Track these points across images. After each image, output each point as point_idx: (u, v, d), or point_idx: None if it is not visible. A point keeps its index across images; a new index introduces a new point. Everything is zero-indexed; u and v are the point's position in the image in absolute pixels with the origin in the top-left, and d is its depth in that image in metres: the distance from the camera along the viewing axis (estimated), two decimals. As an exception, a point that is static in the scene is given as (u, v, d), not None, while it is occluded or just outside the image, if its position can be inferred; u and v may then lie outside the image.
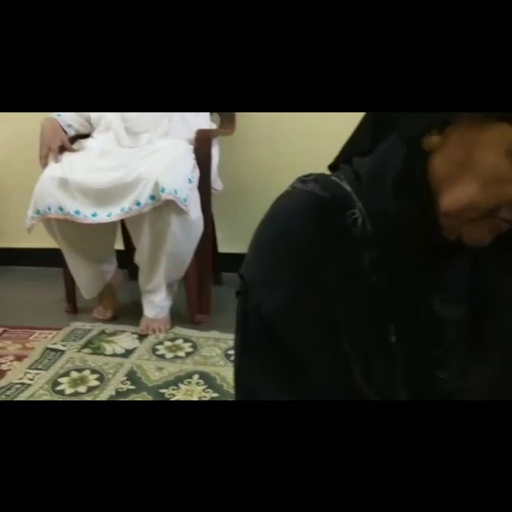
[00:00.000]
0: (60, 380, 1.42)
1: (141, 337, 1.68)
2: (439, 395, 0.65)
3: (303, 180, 0.63)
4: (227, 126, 1.92)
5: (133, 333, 1.70)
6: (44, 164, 1.64)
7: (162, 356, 1.56)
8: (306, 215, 0.60)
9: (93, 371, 1.46)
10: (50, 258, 1.92)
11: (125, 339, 1.67)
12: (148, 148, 1.65)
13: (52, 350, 1.58)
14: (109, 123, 1.68)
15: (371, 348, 0.61)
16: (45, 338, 1.67)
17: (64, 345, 1.60)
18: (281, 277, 0.59)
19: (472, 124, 0.53)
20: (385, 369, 0.62)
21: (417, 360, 0.63)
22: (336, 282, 0.59)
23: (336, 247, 0.59)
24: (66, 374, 1.45)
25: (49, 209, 1.59)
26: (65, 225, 1.62)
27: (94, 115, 1.74)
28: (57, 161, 1.63)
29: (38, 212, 1.61)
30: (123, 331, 1.71)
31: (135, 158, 1.61)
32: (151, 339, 1.66)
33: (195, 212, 1.65)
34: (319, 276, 0.59)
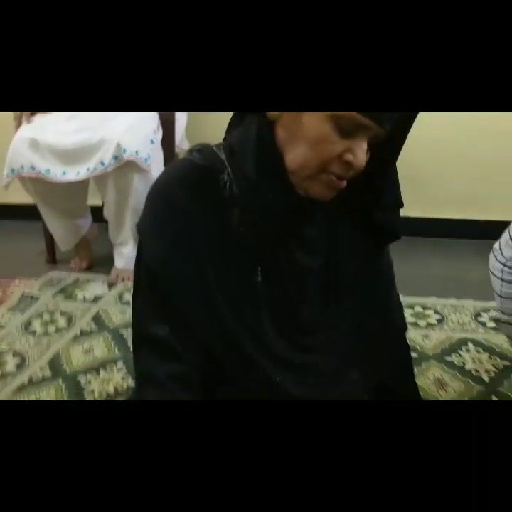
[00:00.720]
0: (33, 321, 1.60)
1: (111, 286, 1.84)
2: (300, 328, 0.80)
3: (190, 150, 0.78)
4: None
5: (104, 281, 1.87)
6: (17, 126, 1.77)
7: (127, 302, 1.72)
8: (181, 179, 0.74)
9: (63, 314, 1.64)
10: (30, 212, 2.07)
11: (96, 287, 1.83)
12: (113, 112, 1.77)
13: (28, 296, 1.76)
14: None
15: (239, 286, 0.76)
16: (24, 286, 1.84)
17: (40, 292, 1.78)
18: (156, 232, 0.74)
19: None
20: (251, 304, 0.77)
21: (281, 299, 0.78)
22: (206, 234, 0.74)
23: (208, 205, 0.74)
24: (39, 316, 1.63)
25: (22, 168, 1.72)
26: (38, 183, 1.76)
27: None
28: (29, 122, 1.76)
29: (12, 170, 1.74)
30: (95, 280, 1.88)
31: (100, 121, 1.73)
32: (119, 287, 1.83)
33: (157, 170, 1.77)
34: (190, 229, 0.73)
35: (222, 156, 0.75)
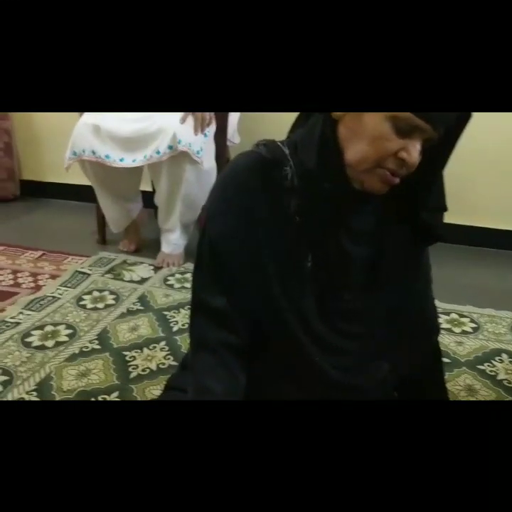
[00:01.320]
0: (84, 297, 1.71)
1: (157, 269, 1.93)
2: (342, 313, 0.86)
3: (257, 144, 0.86)
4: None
5: (150, 264, 1.96)
6: (81, 113, 1.87)
7: (171, 286, 1.82)
8: (250, 168, 0.82)
9: (111, 292, 1.74)
10: (86, 194, 2.19)
11: (143, 269, 1.93)
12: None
13: (80, 272, 1.87)
14: None
15: (291, 269, 0.83)
16: (76, 262, 1.96)
17: (91, 270, 1.89)
18: (224, 212, 0.82)
19: None
20: (300, 287, 0.84)
21: (327, 283, 0.85)
22: (266, 219, 0.82)
23: (271, 193, 0.81)
24: (89, 293, 1.74)
25: (84, 152, 1.83)
26: (97, 167, 1.86)
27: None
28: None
29: (74, 153, 1.85)
30: (142, 263, 1.98)
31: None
32: (164, 271, 1.92)
33: (208, 162, 1.85)
34: (253, 213, 0.81)
35: (286, 151, 0.82)
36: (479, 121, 2.11)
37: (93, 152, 1.82)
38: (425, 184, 0.80)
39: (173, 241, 1.97)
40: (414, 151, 0.72)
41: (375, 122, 0.72)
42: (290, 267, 0.83)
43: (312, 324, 0.84)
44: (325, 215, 0.81)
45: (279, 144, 0.83)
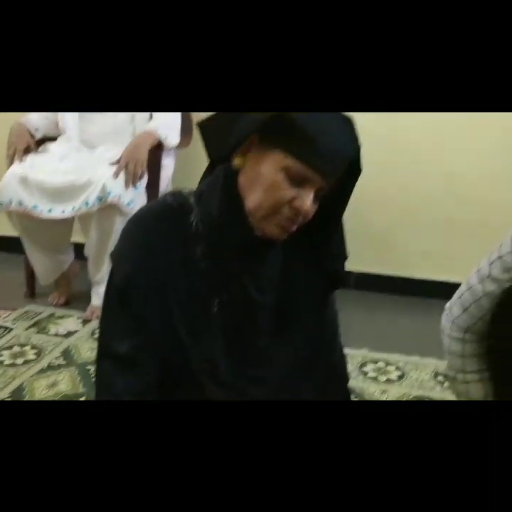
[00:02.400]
0: (2, 352, 1.63)
1: (86, 322, 1.88)
2: (251, 358, 0.86)
3: (165, 194, 0.88)
4: (184, 139, 2.13)
5: (79, 317, 1.91)
6: (9, 163, 1.85)
7: (98, 339, 1.76)
8: (156, 214, 0.84)
9: (33, 347, 1.67)
10: (14, 245, 2.12)
11: (71, 322, 1.87)
12: (103, 156, 1.86)
13: (1, 327, 1.79)
14: (70, 134, 1.90)
15: (198, 314, 0.84)
16: (0, 317, 1.88)
17: (14, 324, 1.81)
18: (129, 256, 0.82)
19: (261, 150, 0.78)
20: (207, 333, 0.84)
21: (234, 328, 0.85)
22: (173, 264, 0.82)
23: (177, 239, 0.83)
24: (9, 348, 1.66)
25: (10, 202, 1.80)
26: (24, 218, 1.83)
27: (60, 124, 1.95)
28: (21, 161, 1.84)
29: (0, 204, 1.82)
30: (70, 316, 1.92)
31: (89, 163, 1.83)
32: (93, 324, 1.86)
33: (140, 214, 1.85)
34: (159, 258, 0.81)
35: (192, 200, 0.84)
36: (408, 172, 2.23)
37: (20, 203, 1.79)
38: (325, 231, 0.85)
39: (103, 293, 1.93)
40: (306, 200, 0.76)
41: (270, 172, 0.76)
42: (197, 312, 0.83)
43: (219, 370, 0.84)
44: (230, 261, 0.83)
45: (185, 193, 0.86)
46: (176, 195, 0.85)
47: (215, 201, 0.81)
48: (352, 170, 0.79)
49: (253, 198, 0.78)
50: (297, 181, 0.76)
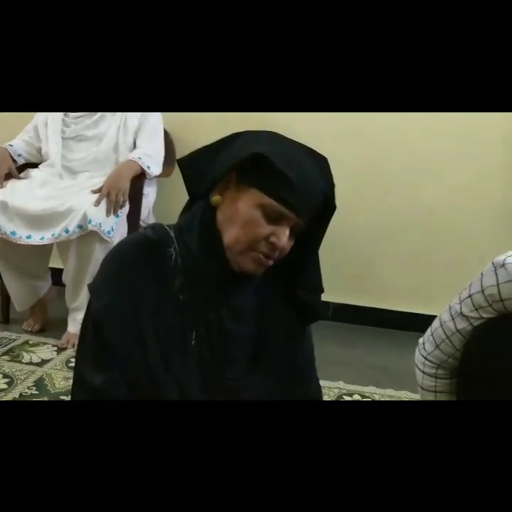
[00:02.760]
0: (-28, 380, 1.59)
1: (60, 350, 1.85)
2: (227, 389, 0.87)
3: (145, 227, 0.89)
4: (166, 169, 2.15)
5: (54, 345, 1.88)
6: (-11, 189, 1.84)
7: (73, 368, 1.73)
8: (134, 246, 0.85)
9: (5, 376, 1.64)
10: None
11: (45, 350, 1.84)
12: (85, 183, 1.87)
13: (-27, 354, 1.75)
14: (53, 161, 1.90)
15: (174, 346, 0.84)
16: (-28, 343, 1.84)
17: (-14, 351, 1.78)
18: (106, 287, 0.82)
19: (239, 187, 0.80)
20: (184, 365, 0.84)
21: (210, 360, 0.86)
22: (150, 296, 0.83)
23: (155, 272, 0.83)
24: (-20, 376, 1.62)
25: (-12, 227, 1.78)
26: (2, 243, 1.81)
27: (43, 150, 1.96)
28: (1, 186, 1.84)
29: (-23, 230, 1.80)
30: (45, 343, 1.89)
31: (71, 191, 1.83)
32: (68, 352, 1.83)
33: (120, 242, 1.85)
34: (136, 290, 0.82)
35: (172, 234, 0.86)
36: (386, 206, 2.28)
37: (-2, 228, 1.78)
38: (300, 265, 0.87)
39: (80, 320, 1.87)
40: (283, 236, 0.79)
41: (247, 209, 0.79)
42: (174, 344, 0.83)
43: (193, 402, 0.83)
44: (207, 294, 0.84)
45: (166, 227, 0.87)
46: (157, 228, 0.87)
47: (193, 236, 0.83)
48: (327, 206, 0.83)
49: (230, 234, 0.80)
50: (273, 218, 0.78)
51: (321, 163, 0.82)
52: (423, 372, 1.14)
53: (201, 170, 0.83)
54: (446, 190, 2.17)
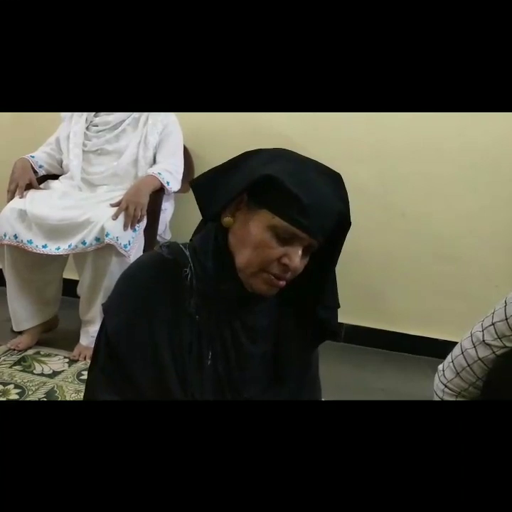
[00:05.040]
0: (-15, 389, 1.59)
1: (72, 362, 1.84)
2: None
3: (161, 245, 0.89)
4: (184, 184, 2.16)
5: (65, 357, 1.87)
6: (10, 198, 1.85)
7: (84, 381, 1.72)
8: (150, 267, 0.85)
9: (16, 386, 1.63)
10: (2, 278, 2.09)
11: (56, 362, 1.83)
12: (104, 196, 1.88)
13: (-14, 362, 1.75)
14: (73, 173, 1.92)
15: (191, 366, 0.83)
16: (-16, 351, 1.84)
17: (-2, 360, 1.77)
18: (120, 308, 0.82)
19: (250, 208, 0.79)
20: (199, 383, 0.84)
21: (226, 380, 0.85)
22: (166, 317, 0.82)
23: (171, 292, 0.83)
24: (-8, 385, 1.62)
25: (5, 235, 1.78)
26: (16, 252, 1.81)
27: (64, 162, 1.98)
28: (22, 196, 1.85)
29: (-5, 237, 1.81)
30: (57, 354, 1.88)
31: (89, 203, 1.84)
32: (80, 365, 1.83)
33: (136, 256, 1.85)
34: (151, 311, 0.82)
35: (187, 253, 0.86)
36: (399, 232, 2.27)
37: (15, 236, 1.78)
38: (318, 284, 0.85)
39: (93, 333, 1.90)
40: (295, 257, 0.78)
41: (258, 231, 0.78)
42: (190, 364, 0.83)
43: None
44: (222, 314, 0.84)
45: (181, 246, 0.87)
46: (172, 247, 0.87)
47: (207, 257, 0.83)
48: (342, 224, 0.80)
49: (242, 256, 0.79)
50: (285, 239, 0.77)
51: (335, 180, 0.80)
52: (442, 399, 1.13)
53: (213, 191, 0.83)
54: (459, 216, 2.17)
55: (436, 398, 1.16)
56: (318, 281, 0.85)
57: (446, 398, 1.13)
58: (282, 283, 0.80)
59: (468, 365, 1.09)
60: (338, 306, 0.90)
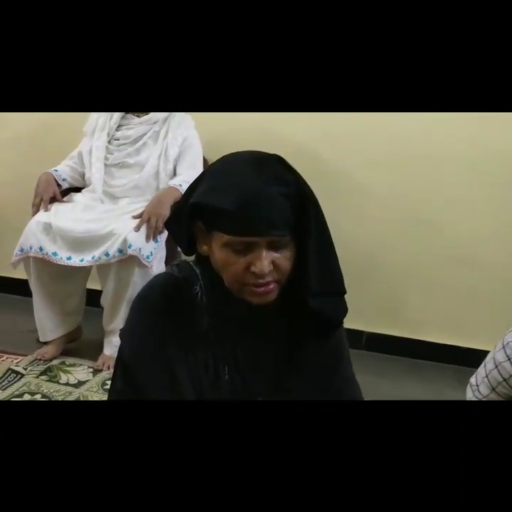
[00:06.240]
0: (13, 400, 1.62)
1: (96, 371, 1.88)
2: None
3: (171, 265, 0.91)
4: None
5: (90, 367, 1.90)
6: (35, 212, 1.90)
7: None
8: (161, 289, 0.86)
9: (43, 396, 1.67)
10: (29, 289, 2.14)
11: (81, 371, 1.87)
12: (126, 209, 1.92)
13: (13, 371, 1.79)
14: (95, 186, 1.96)
15: (208, 383, 0.85)
16: (11, 361, 1.88)
17: (25, 370, 1.81)
18: (134, 333, 0.84)
19: (209, 236, 0.80)
20: (218, 399, 0.84)
21: (244, 392, 0.86)
22: (180, 338, 0.84)
23: (183, 311, 0.84)
24: (20, 395, 1.65)
25: (31, 248, 1.83)
26: (41, 265, 1.85)
27: (86, 175, 2.02)
28: (46, 209, 1.90)
29: (22, 250, 1.85)
30: (81, 364, 1.92)
31: (112, 215, 1.88)
32: (104, 374, 1.86)
33: (159, 266, 1.88)
34: (165, 334, 0.83)
35: (197, 270, 0.87)
36: (420, 240, 2.25)
37: (40, 249, 1.83)
38: (300, 271, 0.81)
39: (116, 343, 1.93)
40: (260, 261, 0.76)
41: (219, 252, 0.79)
42: (207, 382, 0.84)
43: None
44: (234, 326, 0.85)
45: (191, 263, 0.88)
46: (182, 266, 0.88)
47: (213, 277, 0.83)
48: (298, 201, 0.77)
49: (224, 279, 0.81)
50: (242, 250, 0.77)
51: (264, 166, 0.77)
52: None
53: (178, 227, 0.85)
54: (480, 221, 2.15)
55: None
56: (300, 269, 0.80)
57: None
58: (266, 289, 0.78)
59: (504, 380, 1.05)
60: (340, 292, 0.85)
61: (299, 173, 0.80)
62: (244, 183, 0.76)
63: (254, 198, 0.75)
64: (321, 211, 0.82)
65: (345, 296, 0.87)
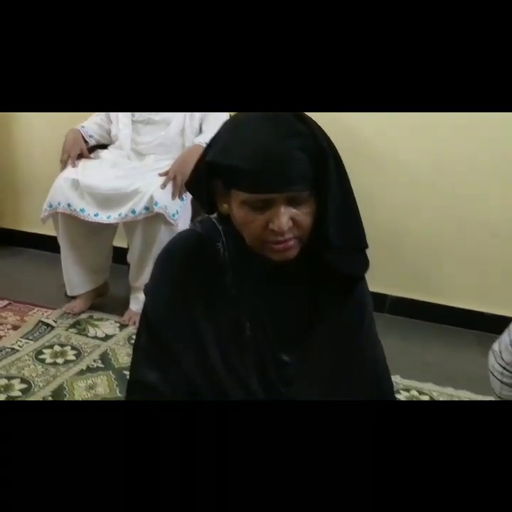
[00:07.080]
0: (44, 350, 1.68)
1: (123, 326, 1.92)
2: (284, 375, 0.88)
3: (195, 221, 0.91)
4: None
5: (116, 321, 1.95)
6: (63, 167, 1.92)
7: (135, 345, 1.80)
8: (184, 244, 0.88)
9: (73, 347, 1.72)
10: (58, 245, 2.18)
11: (108, 326, 1.91)
12: (152, 166, 1.92)
13: (44, 324, 1.84)
14: (122, 143, 1.95)
15: (231, 339, 0.86)
16: (42, 314, 1.93)
17: (55, 322, 1.87)
18: (160, 289, 0.85)
19: (227, 194, 0.80)
20: (241, 356, 0.86)
21: (266, 348, 0.87)
22: (203, 293, 0.85)
23: (206, 268, 0.85)
24: (50, 346, 1.71)
25: (59, 204, 1.85)
26: (70, 221, 1.88)
27: (113, 132, 2.01)
28: (74, 166, 1.91)
29: (50, 206, 1.88)
30: (108, 319, 1.96)
31: (139, 172, 1.88)
32: (130, 329, 1.90)
33: (184, 224, 1.89)
34: (188, 289, 0.84)
35: (220, 227, 0.87)
36: (444, 208, 2.21)
37: (68, 205, 1.85)
38: (320, 226, 0.80)
39: (142, 299, 1.94)
40: (278, 218, 0.75)
41: (237, 210, 0.78)
42: (230, 338, 0.85)
43: (253, 391, 0.86)
44: (257, 283, 0.85)
45: (214, 220, 0.88)
46: (205, 222, 0.88)
47: (234, 233, 0.83)
48: (318, 154, 0.75)
49: (245, 237, 0.80)
50: (260, 207, 0.76)
51: (280, 123, 0.74)
52: (502, 382, 1.10)
53: (199, 187, 0.84)
54: (501, 190, 2.08)
55: (493, 379, 1.13)
56: (318, 222, 0.79)
57: (506, 381, 1.09)
58: (286, 245, 0.77)
59: None
60: (362, 247, 0.83)
61: (318, 126, 0.77)
62: (258, 138, 0.74)
63: (269, 154, 0.73)
64: (343, 165, 0.80)
65: (370, 258, 0.86)
